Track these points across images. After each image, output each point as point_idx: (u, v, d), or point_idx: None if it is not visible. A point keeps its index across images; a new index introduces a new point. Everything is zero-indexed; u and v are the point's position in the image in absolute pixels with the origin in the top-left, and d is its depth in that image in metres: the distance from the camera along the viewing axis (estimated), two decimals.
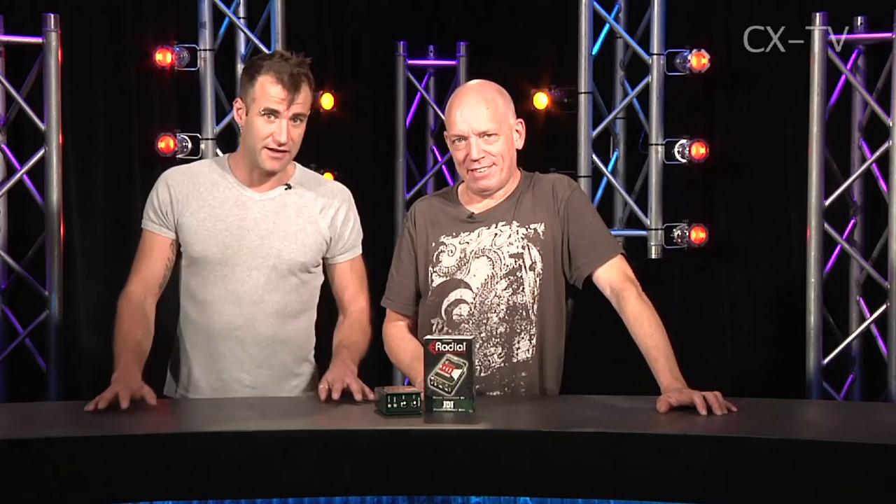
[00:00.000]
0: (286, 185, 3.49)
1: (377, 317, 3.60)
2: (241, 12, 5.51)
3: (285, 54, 3.43)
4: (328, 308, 3.62)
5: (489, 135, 3.38)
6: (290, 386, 3.51)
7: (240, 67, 5.44)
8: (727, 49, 5.67)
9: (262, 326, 3.46)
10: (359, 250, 3.58)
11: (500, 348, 3.40)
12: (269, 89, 3.36)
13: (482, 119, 3.37)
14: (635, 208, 5.70)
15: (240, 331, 3.45)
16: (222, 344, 3.45)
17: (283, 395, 3.49)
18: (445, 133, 3.46)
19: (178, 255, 3.49)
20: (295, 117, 3.39)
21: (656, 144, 5.63)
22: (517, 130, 3.45)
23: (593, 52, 5.64)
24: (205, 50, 5.45)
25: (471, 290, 3.42)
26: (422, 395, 3.05)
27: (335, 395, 3.19)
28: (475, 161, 3.39)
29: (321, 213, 3.50)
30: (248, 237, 3.44)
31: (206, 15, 5.45)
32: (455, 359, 3.05)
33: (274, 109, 3.36)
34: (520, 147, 3.47)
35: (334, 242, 3.52)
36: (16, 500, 2.73)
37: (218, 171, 3.49)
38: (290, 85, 3.36)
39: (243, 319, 3.44)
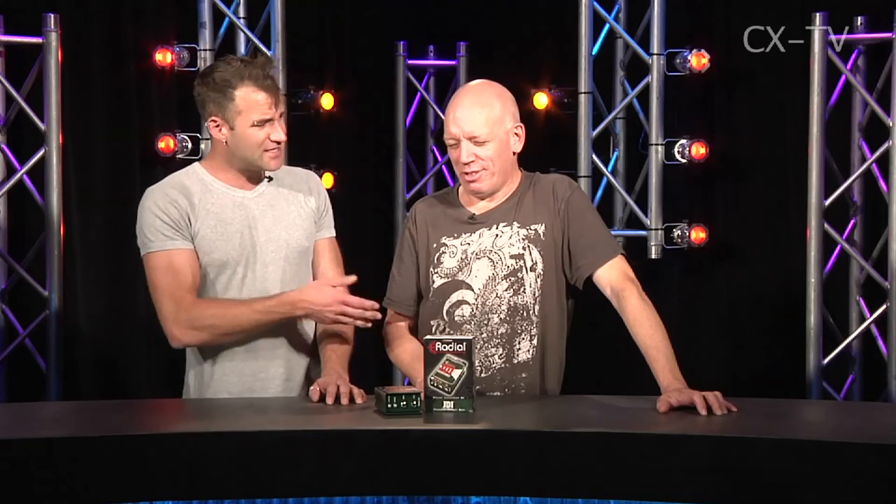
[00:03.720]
0: (267, 177, 3.50)
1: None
2: (241, 12, 5.51)
3: (244, 59, 3.42)
4: None
5: (480, 139, 3.37)
6: (315, 372, 3.50)
7: None
8: (727, 49, 5.67)
9: (289, 317, 3.45)
10: (333, 230, 3.58)
11: (500, 349, 3.40)
12: (255, 99, 3.35)
13: (474, 123, 3.36)
14: (635, 208, 5.70)
15: (271, 325, 3.44)
16: (256, 342, 3.42)
17: (310, 383, 3.43)
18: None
19: None
20: (280, 115, 3.42)
21: (656, 144, 5.63)
22: (516, 133, 3.43)
23: (593, 52, 5.64)
24: (205, 50, 5.45)
25: (472, 290, 3.42)
26: (422, 395, 3.06)
27: (329, 400, 3.19)
28: (465, 164, 3.38)
29: (304, 196, 3.52)
30: (257, 234, 3.44)
31: (206, 15, 5.46)
32: (455, 359, 3.05)
33: (268, 119, 3.37)
34: (518, 150, 3.45)
35: (318, 220, 3.54)
36: (16, 500, 2.73)
37: (200, 180, 3.45)
38: (274, 89, 3.39)
39: None
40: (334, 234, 3.58)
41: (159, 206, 3.38)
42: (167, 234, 3.37)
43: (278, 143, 3.40)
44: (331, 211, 3.59)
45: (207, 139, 5.42)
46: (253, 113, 3.36)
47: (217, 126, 3.40)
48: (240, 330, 3.37)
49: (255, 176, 3.48)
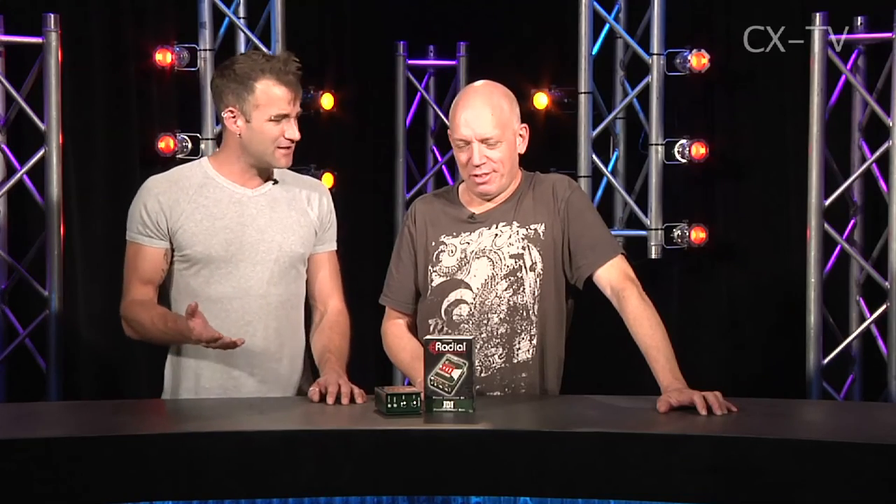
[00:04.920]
0: (273, 179, 3.50)
1: (376, 316, 3.60)
2: (241, 12, 5.51)
3: (268, 55, 3.45)
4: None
5: (492, 141, 3.37)
6: (295, 379, 3.51)
7: None
8: (727, 49, 5.67)
9: (270, 320, 3.45)
10: (335, 244, 3.59)
11: (500, 349, 3.40)
12: (275, 93, 3.36)
13: (486, 125, 3.36)
14: (635, 208, 5.70)
15: (249, 326, 3.43)
16: (233, 354, 3.41)
17: (289, 389, 3.48)
18: (449, 132, 3.46)
19: (170, 262, 3.47)
20: (297, 114, 3.42)
21: (656, 144, 5.63)
22: (520, 135, 3.44)
23: (593, 52, 5.64)
24: (205, 50, 5.45)
25: (471, 290, 3.42)
26: (422, 395, 3.06)
27: (329, 400, 3.20)
28: (477, 166, 3.38)
29: (309, 203, 3.52)
30: (248, 233, 3.44)
31: (206, 15, 5.46)
32: (455, 359, 3.05)
33: (286, 114, 3.38)
34: (522, 151, 3.46)
35: (320, 232, 3.53)
36: (16, 500, 2.73)
37: (201, 174, 3.47)
38: (295, 85, 3.39)
39: (252, 315, 3.44)
40: (335, 248, 3.58)
41: (145, 200, 3.45)
42: (140, 230, 3.44)
43: (292, 140, 3.41)
44: (335, 224, 3.58)
45: (208, 139, 5.42)
46: (271, 107, 3.37)
47: (233, 117, 3.41)
48: (151, 339, 3.46)
49: (261, 174, 3.48)
